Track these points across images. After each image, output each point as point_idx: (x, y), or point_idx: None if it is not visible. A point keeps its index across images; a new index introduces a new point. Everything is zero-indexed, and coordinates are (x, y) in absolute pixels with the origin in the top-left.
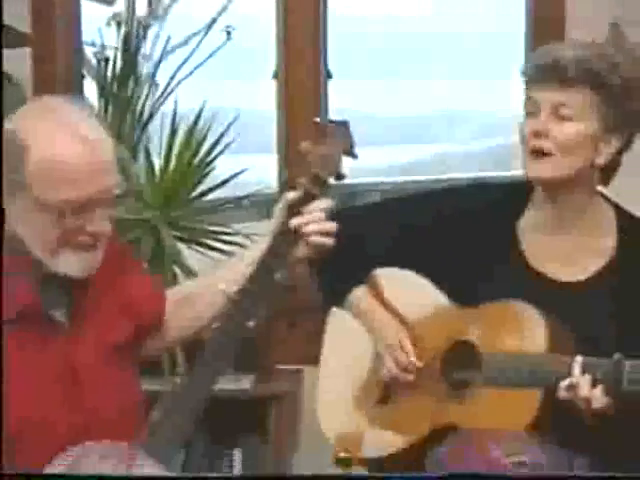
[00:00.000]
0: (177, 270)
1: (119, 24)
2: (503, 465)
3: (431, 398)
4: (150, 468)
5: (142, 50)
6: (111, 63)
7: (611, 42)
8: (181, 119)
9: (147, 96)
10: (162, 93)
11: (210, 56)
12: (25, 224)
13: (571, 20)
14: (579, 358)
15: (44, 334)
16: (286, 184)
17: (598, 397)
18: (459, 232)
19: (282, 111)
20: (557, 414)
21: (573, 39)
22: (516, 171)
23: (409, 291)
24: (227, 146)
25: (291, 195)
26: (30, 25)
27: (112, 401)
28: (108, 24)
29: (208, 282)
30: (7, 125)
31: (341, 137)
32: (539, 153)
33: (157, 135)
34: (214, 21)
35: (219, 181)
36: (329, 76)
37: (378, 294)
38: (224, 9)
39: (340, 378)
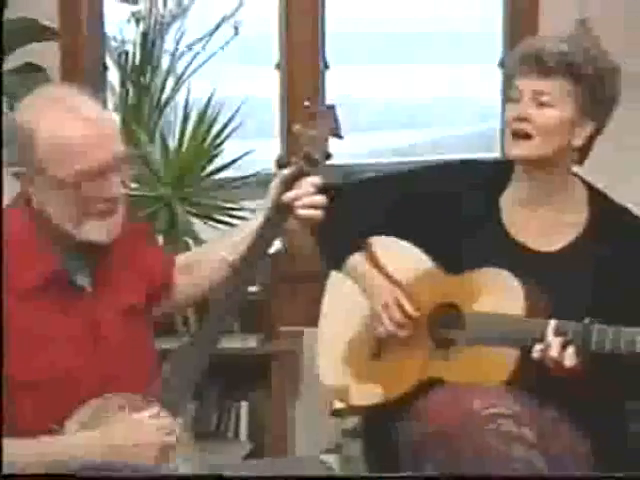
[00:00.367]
0: (189, 241)
1: (138, 21)
2: (484, 416)
3: (419, 354)
4: (162, 418)
5: (160, 44)
6: (131, 56)
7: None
8: (193, 106)
9: (163, 85)
10: (176, 83)
11: (220, 49)
12: (49, 203)
13: (543, 14)
14: (552, 321)
15: (70, 297)
16: (279, 162)
17: (569, 357)
18: (447, 204)
19: (284, 99)
20: (531, 371)
21: (551, 35)
22: None
23: (401, 257)
24: (234, 130)
25: (285, 172)
26: (59, 21)
27: (129, 356)
28: (129, 21)
29: (211, 250)
30: (16, 116)
31: (328, 120)
32: (520, 135)
33: (172, 120)
34: (225, 19)
35: (227, 162)
36: (326, 66)
37: (373, 259)
38: (237, 9)
39: (337, 335)
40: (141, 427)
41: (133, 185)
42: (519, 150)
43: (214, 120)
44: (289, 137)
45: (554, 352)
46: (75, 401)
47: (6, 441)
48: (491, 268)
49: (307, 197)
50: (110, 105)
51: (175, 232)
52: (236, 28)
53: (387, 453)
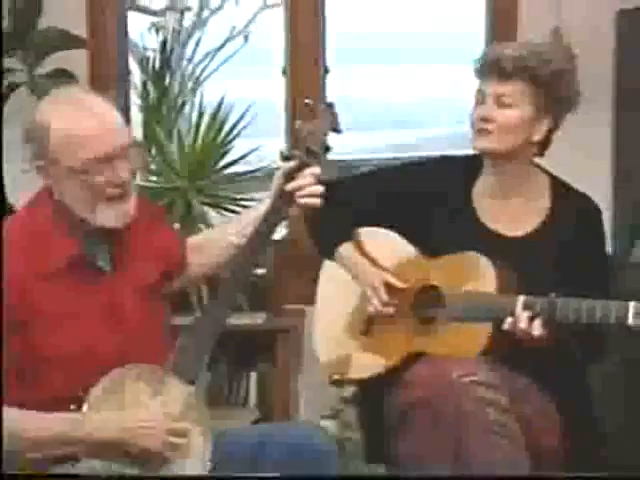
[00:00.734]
0: (203, 229)
1: (158, 30)
2: (463, 383)
3: (404, 331)
4: (177, 387)
5: (178, 52)
6: (151, 61)
7: (552, 42)
8: (207, 107)
9: (180, 88)
10: (192, 86)
11: (231, 56)
12: (65, 192)
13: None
14: (521, 297)
15: (90, 279)
16: (283, 155)
17: (536, 328)
18: (427, 196)
19: (288, 101)
20: (504, 343)
21: (509, 42)
22: None
23: (386, 245)
24: (243, 129)
25: (288, 164)
26: (87, 31)
27: (146, 331)
28: (149, 30)
29: (221, 233)
30: (36, 115)
31: (328, 116)
32: (484, 132)
33: (188, 119)
34: (236, 30)
35: (237, 157)
36: (326, 71)
37: (361, 248)
38: (248, 23)
39: (331, 316)
40: (152, 413)
41: (153, 178)
42: (484, 144)
43: (225, 120)
44: (292, 131)
45: (523, 324)
46: (97, 372)
47: (29, 415)
48: (467, 252)
49: (308, 186)
50: (133, 105)
51: (190, 220)
52: (246, 37)
53: (379, 419)
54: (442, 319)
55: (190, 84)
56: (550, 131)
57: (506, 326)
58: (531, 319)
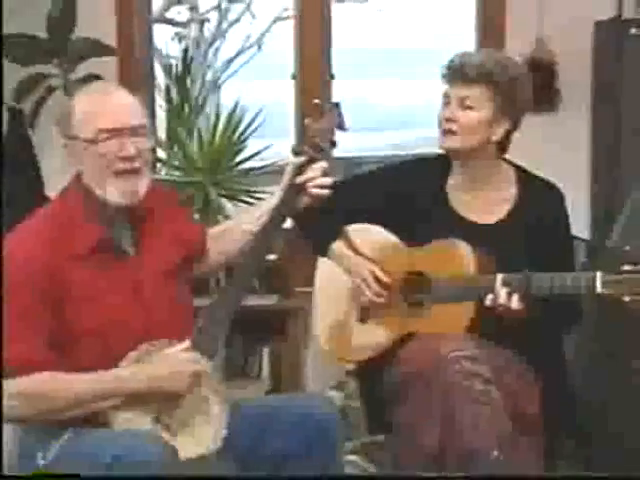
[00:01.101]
0: (221, 219)
1: (180, 39)
2: (450, 358)
3: (397, 315)
4: (191, 351)
5: (198, 59)
6: (174, 67)
7: (537, 51)
8: (223, 109)
9: (200, 92)
10: (211, 89)
11: (246, 63)
12: (84, 169)
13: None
14: (499, 275)
15: (116, 261)
16: (293, 150)
17: (514, 302)
18: (406, 193)
19: (298, 104)
20: (486, 318)
21: (472, 51)
22: None
23: (373, 239)
24: (256, 129)
25: (297, 159)
26: (116, 40)
27: (169, 310)
28: (172, 39)
29: (237, 223)
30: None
31: (334, 115)
32: (449, 132)
33: (207, 120)
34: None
35: (250, 154)
36: (332, 77)
37: (351, 244)
38: (263, 34)
39: (330, 307)
40: (175, 359)
41: (175, 172)
42: (448, 143)
43: (240, 120)
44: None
45: (502, 299)
46: (125, 345)
47: (67, 376)
48: (446, 240)
49: (317, 179)
50: (158, 107)
51: (209, 211)
52: (259, 46)
53: (377, 392)
54: (429, 301)
55: (209, 88)
56: (509, 132)
57: (487, 303)
58: (509, 294)
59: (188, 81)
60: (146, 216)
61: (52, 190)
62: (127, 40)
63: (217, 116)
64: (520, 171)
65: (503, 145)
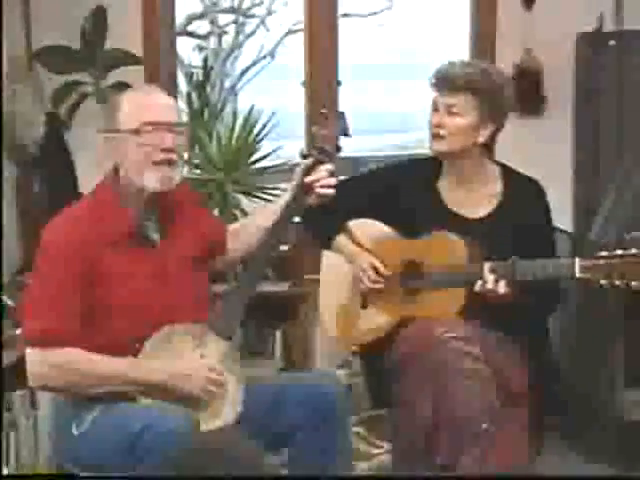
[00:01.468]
0: (238, 213)
1: (201, 50)
2: (443, 338)
3: (395, 301)
4: (216, 342)
5: (219, 68)
6: (195, 75)
7: (525, 60)
8: (240, 113)
9: (219, 97)
10: (227, 95)
11: (260, 71)
12: (124, 158)
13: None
14: (487, 263)
15: (144, 247)
16: (302, 154)
17: (501, 288)
18: (404, 190)
19: (307, 109)
20: (476, 303)
21: (458, 61)
22: None
23: (372, 232)
24: (269, 131)
25: (306, 161)
26: (143, 51)
27: (190, 295)
28: (194, 50)
29: (252, 220)
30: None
31: (339, 122)
32: (438, 137)
33: (225, 123)
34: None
35: (264, 154)
36: (339, 84)
37: (352, 238)
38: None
39: (334, 293)
40: (195, 363)
41: (196, 171)
42: (437, 147)
43: (255, 124)
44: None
45: (490, 285)
46: (148, 326)
47: (97, 356)
48: (439, 232)
49: (323, 180)
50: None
51: (226, 205)
52: (272, 56)
53: (379, 370)
54: (425, 288)
55: (227, 94)
56: (494, 133)
57: (477, 288)
58: (496, 281)
59: (208, 88)
60: (174, 209)
61: (85, 187)
62: (153, 51)
63: (234, 120)
64: (505, 169)
65: (488, 145)
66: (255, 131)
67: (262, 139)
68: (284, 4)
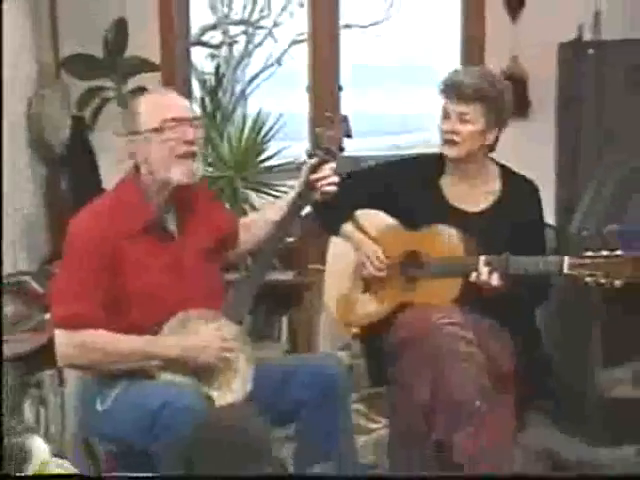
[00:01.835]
0: (247, 208)
1: (213, 57)
2: (440, 324)
3: (395, 287)
4: (228, 326)
5: (230, 75)
6: (208, 81)
7: (511, 67)
8: (249, 116)
9: (230, 101)
10: (238, 100)
11: (268, 77)
12: (148, 156)
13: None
14: (482, 257)
15: (162, 239)
16: (307, 153)
17: (494, 280)
18: (407, 185)
19: (312, 112)
20: (471, 292)
21: (470, 67)
22: None
23: (378, 222)
24: (276, 133)
25: (311, 160)
26: (160, 58)
27: (204, 283)
28: (207, 58)
29: (261, 214)
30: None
31: (342, 125)
32: (452, 143)
33: (235, 125)
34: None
35: (272, 154)
36: (340, 89)
37: (359, 226)
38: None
39: (338, 279)
40: (208, 335)
41: (209, 169)
42: (450, 152)
43: (263, 125)
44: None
45: (484, 277)
46: (165, 312)
47: (118, 336)
48: (439, 225)
49: (327, 177)
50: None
51: (236, 200)
52: (279, 64)
53: (378, 352)
54: (424, 277)
55: (237, 99)
56: (497, 137)
57: (472, 279)
58: (490, 273)
59: (219, 93)
60: (191, 204)
61: (107, 184)
62: (169, 59)
63: (244, 122)
64: (503, 168)
65: (492, 146)
66: (263, 132)
67: (269, 140)
68: (290, 16)
